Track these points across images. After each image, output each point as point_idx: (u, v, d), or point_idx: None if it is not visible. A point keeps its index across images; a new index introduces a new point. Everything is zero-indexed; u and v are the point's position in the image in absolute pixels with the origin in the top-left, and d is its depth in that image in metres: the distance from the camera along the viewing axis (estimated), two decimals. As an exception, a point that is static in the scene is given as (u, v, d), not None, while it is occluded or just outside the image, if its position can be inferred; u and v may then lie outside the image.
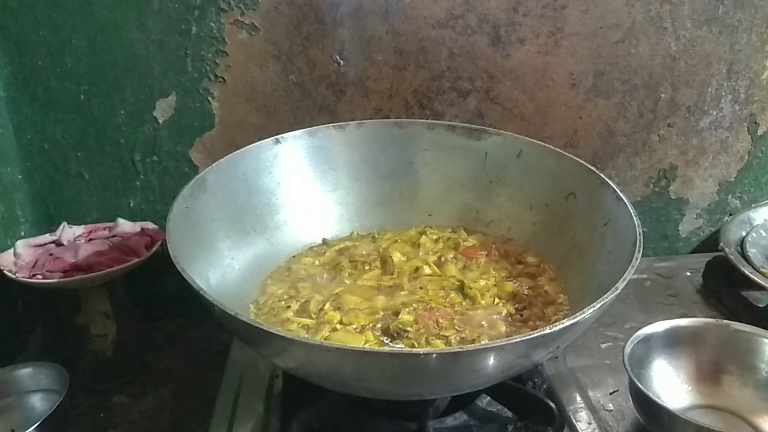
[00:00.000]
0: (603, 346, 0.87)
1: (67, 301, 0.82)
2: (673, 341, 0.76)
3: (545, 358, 0.74)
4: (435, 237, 0.85)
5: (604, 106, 0.97)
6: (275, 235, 0.82)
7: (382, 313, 0.72)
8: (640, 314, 0.92)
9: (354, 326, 0.70)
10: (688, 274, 1.03)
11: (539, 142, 0.84)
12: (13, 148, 0.89)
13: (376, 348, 0.66)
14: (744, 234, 0.97)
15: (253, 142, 0.81)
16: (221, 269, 0.74)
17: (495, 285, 0.77)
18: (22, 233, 0.90)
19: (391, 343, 0.68)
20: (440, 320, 0.70)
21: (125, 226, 0.88)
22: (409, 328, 0.69)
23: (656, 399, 0.67)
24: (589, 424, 0.72)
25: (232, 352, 0.84)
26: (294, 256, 0.83)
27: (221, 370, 0.81)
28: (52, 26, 0.84)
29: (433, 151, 0.87)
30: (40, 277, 0.78)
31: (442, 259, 0.81)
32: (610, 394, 0.78)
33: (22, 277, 0.78)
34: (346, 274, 0.79)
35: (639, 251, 0.64)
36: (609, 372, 0.81)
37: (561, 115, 0.96)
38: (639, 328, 0.75)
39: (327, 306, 0.73)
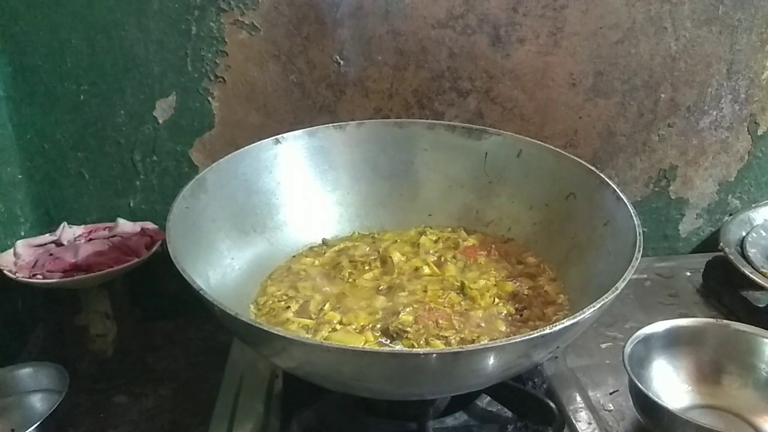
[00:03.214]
0: (603, 346, 0.87)
1: (67, 301, 0.82)
2: (673, 341, 0.76)
3: (545, 358, 0.74)
4: (435, 237, 0.85)
5: (604, 106, 0.97)
6: (275, 235, 0.82)
7: (382, 314, 0.72)
8: (640, 314, 0.92)
9: (354, 326, 0.70)
10: (688, 274, 1.03)
11: (539, 142, 0.84)
12: (13, 148, 0.89)
13: (376, 348, 0.66)
14: (744, 234, 0.97)
15: (253, 142, 0.81)
16: (221, 269, 0.74)
17: (495, 285, 0.77)
18: (22, 233, 0.90)
19: (390, 344, 0.68)
20: (440, 320, 0.70)
21: (125, 226, 0.88)
22: (408, 329, 0.69)
23: (656, 399, 0.67)
24: (589, 424, 0.72)
25: (232, 352, 0.84)
26: (294, 256, 0.83)
27: (221, 370, 0.81)
28: (52, 26, 0.84)
29: (433, 151, 0.87)
30: (40, 277, 0.78)
31: (442, 259, 0.81)
32: (610, 394, 0.78)
33: (22, 277, 0.78)
34: (346, 274, 0.78)
35: (639, 251, 0.64)
36: (609, 372, 0.81)
37: (561, 115, 0.97)
38: (639, 328, 0.75)
39: (327, 306, 0.73)
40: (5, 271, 0.79)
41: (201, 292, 0.58)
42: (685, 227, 1.07)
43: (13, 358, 0.85)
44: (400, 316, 0.70)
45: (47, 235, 0.86)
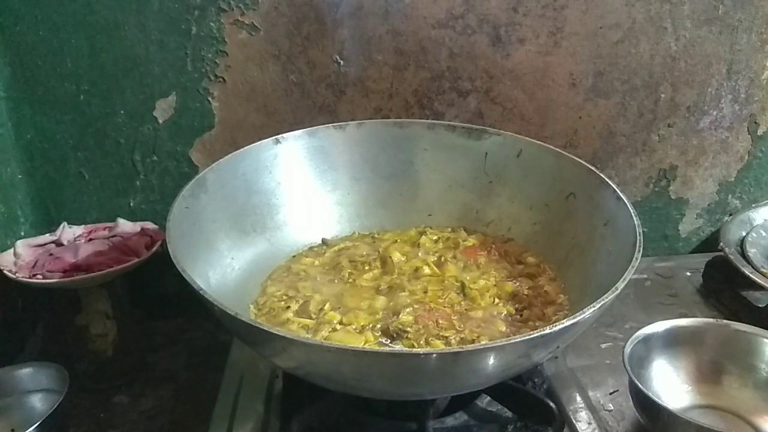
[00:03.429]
0: (603, 346, 0.87)
1: (67, 301, 0.82)
2: (673, 341, 0.76)
3: (545, 358, 0.74)
4: (435, 237, 0.85)
5: (604, 106, 0.97)
6: (275, 235, 0.82)
7: (382, 314, 0.72)
8: (640, 314, 0.92)
9: (354, 326, 0.70)
10: (688, 274, 1.03)
11: (539, 142, 0.84)
12: (13, 148, 0.89)
13: (376, 348, 0.66)
14: (744, 234, 0.97)
15: (253, 142, 0.81)
16: (221, 269, 0.74)
17: (495, 285, 0.77)
18: (22, 233, 0.90)
19: (390, 344, 0.68)
20: (440, 320, 0.70)
21: (125, 226, 0.88)
22: (408, 329, 0.69)
23: (656, 399, 0.67)
24: (589, 424, 0.72)
25: (232, 352, 0.84)
26: (294, 256, 0.83)
27: (221, 370, 0.81)
28: (52, 26, 0.84)
29: (433, 151, 0.87)
30: (40, 277, 0.78)
31: (442, 259, 0.81)
32: (610, 394, 0.78)
33: (22, 277, 0.78)
34: (346, 275, 0.79)
35: (639, 251, 0.64)
36: (609, 372, 0.81)
37: (561, 115, 0.97)
38: (639, 328, 0.75)
39: (327, 306, 0.73)
40: (5, 271, 0.79)
41: (201, 292, 0.58)
42: (685, 227, 1.07)
43: (13, 358, 0.85)
44: (400, 316, 0.70)
45: (47, 235, 0.86)
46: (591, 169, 0.77)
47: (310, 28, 0.88)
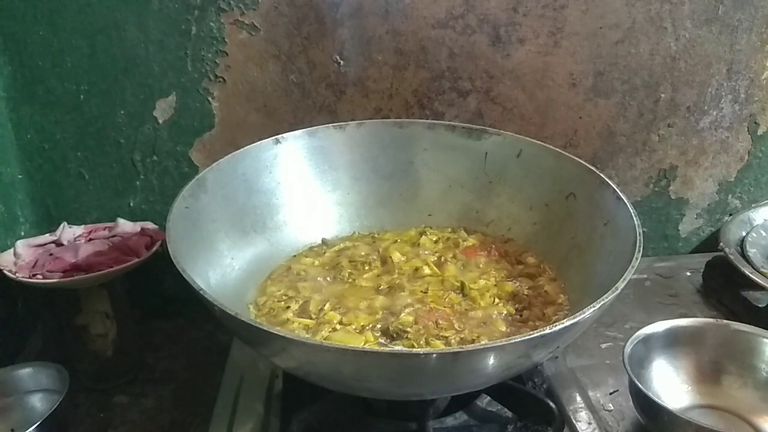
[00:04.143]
0: (603, 346, 0.87)
1: (67, 301, 0.82)
2: (673, 341, 0.76)
3: (545, 358, 0.74)
4: (435, 237, 0.85)
5: (604, 106, 0.97)
6: (275, 235, 0.82)
7: (382, 314, 0.72)
8: (640, 314, 0.92)
9: (354, 326, 0.70)
10: (688, 274, 1.03)
11: (539, 142, 0.84)
12: (13, 148, 0.89)
13: (376, 348, 0.66)
14: (744, 234, 0.97)
15: (253, 142, 0.81)
16: (221, 269, 0.74)
17: (495, 285, 0.77)
18: (22, 233, 0.90)
19: (390, 344, 0.68)
20: (440, 321, 0.70)
21: (125, 226, 0.88)
22: (408, 329, 0.69)
23: (656, 399, 0.67)
24: (589, 424, 0.72)
25: (232, 352, 0.84)
26: (294, 256, 0.83)
27: (221, 370, 0.81)
28: (52, 26, 0.84)
29: (433, 151, 0.87)
30: (40, 277, 0.78)
31: (442, 259, 0.81)
32: (610, 394, 0.78)
33: (22, 277, 0.78)
34: (346, 275, 0.78)
35: (639, 251, 0.64)
36: (609, 372, 0.81)
37: (561, 115, 0.97)
38: (639, 328, 0.75)
39: (327, 306, 0.73)
40: (5, 271, 0.79)
41: (201, 292, 0.58)
42: (685, 227, 1.07)
43: (13, 358, 0.86)
44: (400, 316, 0.70)
45: (47, 235, 0.86)
46: (591, 169, 0.77)
47: (310, 28, 0.88)
